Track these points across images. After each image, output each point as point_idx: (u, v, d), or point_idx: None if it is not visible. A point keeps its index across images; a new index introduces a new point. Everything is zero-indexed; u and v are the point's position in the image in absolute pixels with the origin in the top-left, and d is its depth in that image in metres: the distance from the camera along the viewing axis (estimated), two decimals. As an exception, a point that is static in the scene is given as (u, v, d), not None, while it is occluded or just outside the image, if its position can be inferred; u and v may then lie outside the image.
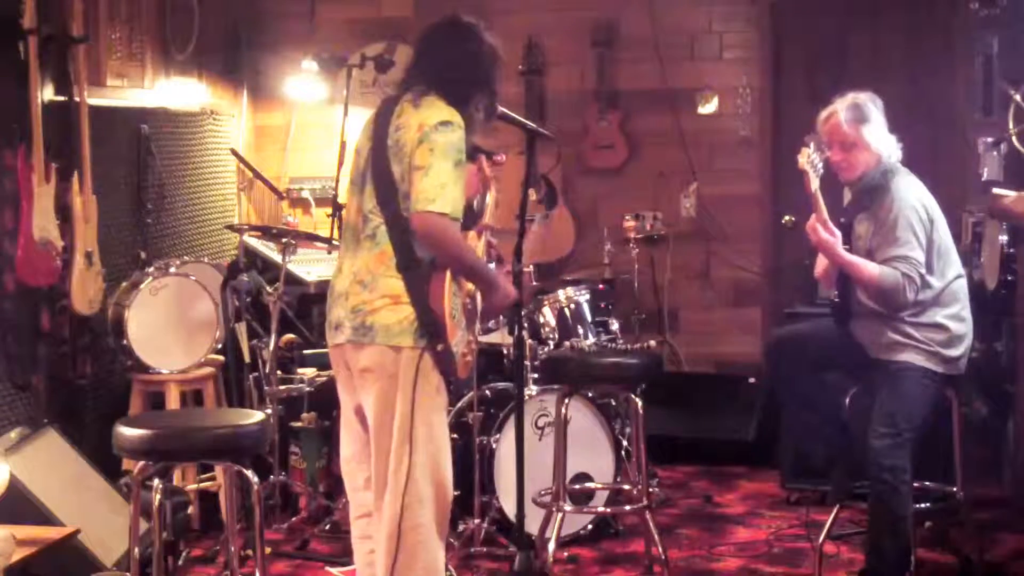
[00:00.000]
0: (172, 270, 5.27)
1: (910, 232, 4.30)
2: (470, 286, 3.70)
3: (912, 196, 4.36)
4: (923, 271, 4.30)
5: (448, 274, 3.53)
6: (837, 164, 4.44)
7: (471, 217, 3.85)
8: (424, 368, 3.52)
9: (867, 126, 4.42)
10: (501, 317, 5.19)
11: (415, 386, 3.50)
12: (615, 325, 5.57)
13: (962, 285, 4.45)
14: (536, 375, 5.11)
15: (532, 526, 4.61)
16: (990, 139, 5.57)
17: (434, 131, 3.48)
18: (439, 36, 3.72)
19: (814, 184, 4.31)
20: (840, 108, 4.45)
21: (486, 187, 4.01)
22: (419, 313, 3.49)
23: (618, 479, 5.12)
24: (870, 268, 4.33)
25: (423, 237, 3.47)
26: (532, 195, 6.49)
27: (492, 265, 3.95)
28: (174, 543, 4.17)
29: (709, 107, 6.82)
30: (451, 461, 3.66)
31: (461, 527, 4.95)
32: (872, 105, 4.45)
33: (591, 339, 5.30)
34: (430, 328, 3.49)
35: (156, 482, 3.94)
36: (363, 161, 3.65)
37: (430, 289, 3.51)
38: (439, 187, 3.43)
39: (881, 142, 4.44)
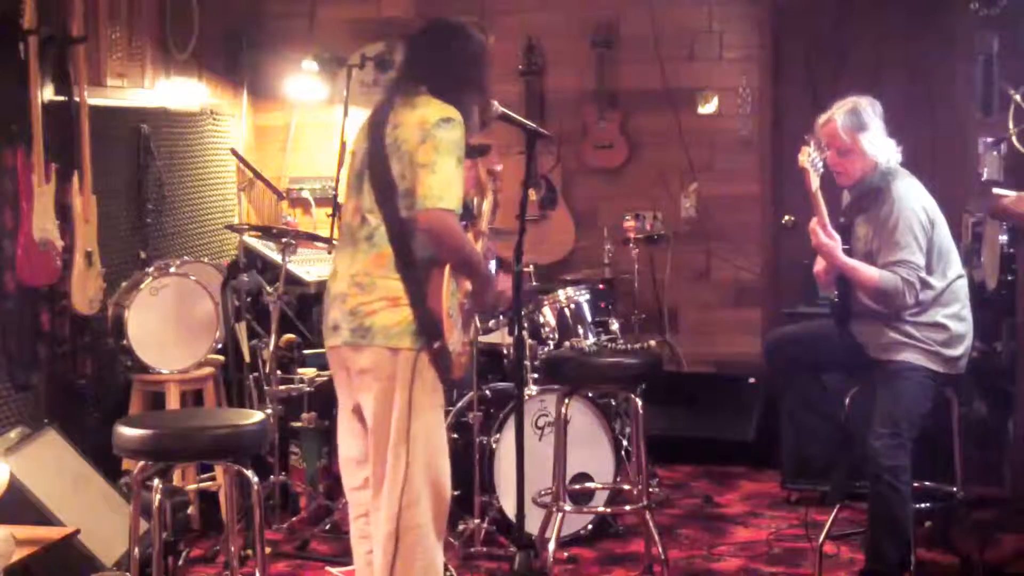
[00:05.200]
0: (172, 270, 5.26)
1: (910, 236, 4.30)
2: (468, 285, 3.70)
3: (912, 199, 4.36)
4: (923, 275, 4.30)
5: (446, 273, 3.53)
6: (834, 168, 4.44)
7: (467, 215, 3.85)
8: (421, 368, 3.52)
9: (864, 133, 4.41)
10: (501, 317, 5.20)
11: (412, 386, 3.50)
12: (615, 325, 5.57)
13: (963, 285, 4.45)
14: (536, 375, 5.11)
15: (532, 526, 4.61)
16: (990, 139, 5.57)
17: (437, 128, 3.48)
18: (430, 36, 3.72)
19: (814, 183, 4.31)
20: (838, 114, 4.43)
21: (482, 193, 4.01)
22: (418, 313, 3.49)
23: (618, 479, 5.13)
24: (869, 272, 4.34)
25: (431, 234, 3.47)
26: (532, 195, 6.50)
27: (492, 265, 3.95)
28: (174, 543, 4.16)
29: (709, 107, 6.81)
30: (448, 460, 3.66)
31: (461, 527, 4.95)
32: (871, 110, 4.44)
33: (591, 339, 5.29)
34: (429, 327, 3.49)
35: (156, 482, 3.93)
36: (359, 162, 3.65)
37: (428, 288, 3.51)
38: (446, 185, 3.44)
39: (879, 148, 4.42)
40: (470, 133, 3.63)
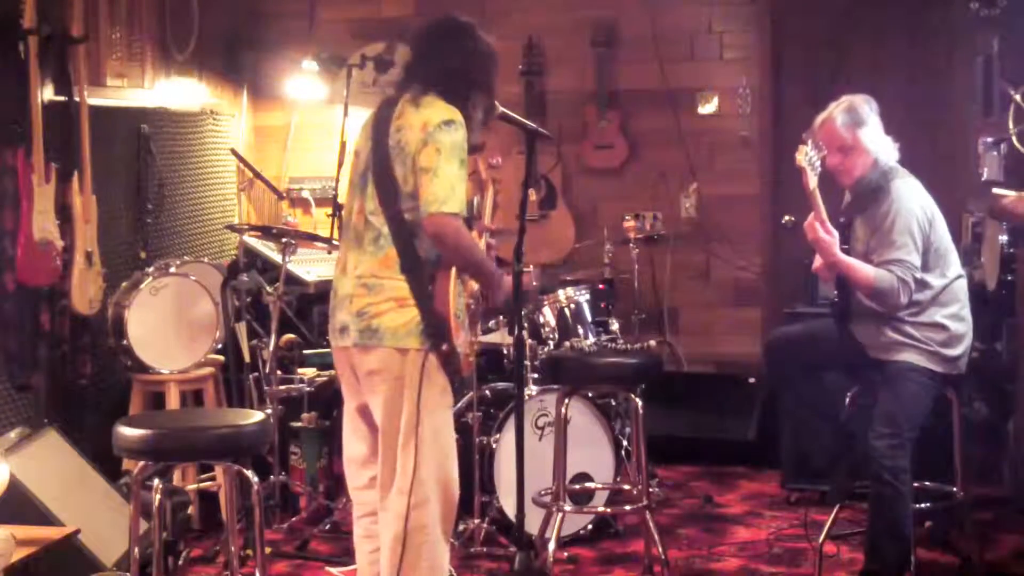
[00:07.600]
0: (172, 270, 5.27)
1: (907, 236, 4.30)
2: (474, 286, 3.70)
3: (911, 199, 4.35)
4: (918, 275, 4.30)
5: (453, 275, 3.54)
6: (834, 168, 4.43)
7: (470, 215, 3.86)
8: (430, 369, 3.53)
9: (863, 129, 4.40)
10: (501, 317, 5.20)
11: (421, 387, 3.51)
12: (615, 325, 5.57)
13: (962, 285, 4.45)
14: (536, 375, 5.11)
15: (532, 526, 4.61)
16: (990, 139, 5.56)
17: (438, 131, 3.48)
18: (436, 35, 3.71)
19: (812, 182, 4.30)
20: (836, 113, 4.43)
21: (484, 189, 4.01)
22: (424, 314, 3.50)
23: (618, 479, 5.13)
24: (865, 270, 4.33)
25: (436, 238, 3.48)
26: (532, 195, 6.50)
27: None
28: (174, 543, 4.17)
29: (709, 107, 6.81)
30: (456, 461, 3.66)
31: (461, 527, 4.95)
32: (868, 107, 4.44)
33: (591, 339, 5.29)
34: (435, 329, 3.50)
35: (156, 482, 3.94)
36: (363, 162, 3.65)
37: (435, 290, 3.51)
38: (449, 189, 3.44)
39: (878, 144, 4.43)
40: (473, 133, 3.63)
